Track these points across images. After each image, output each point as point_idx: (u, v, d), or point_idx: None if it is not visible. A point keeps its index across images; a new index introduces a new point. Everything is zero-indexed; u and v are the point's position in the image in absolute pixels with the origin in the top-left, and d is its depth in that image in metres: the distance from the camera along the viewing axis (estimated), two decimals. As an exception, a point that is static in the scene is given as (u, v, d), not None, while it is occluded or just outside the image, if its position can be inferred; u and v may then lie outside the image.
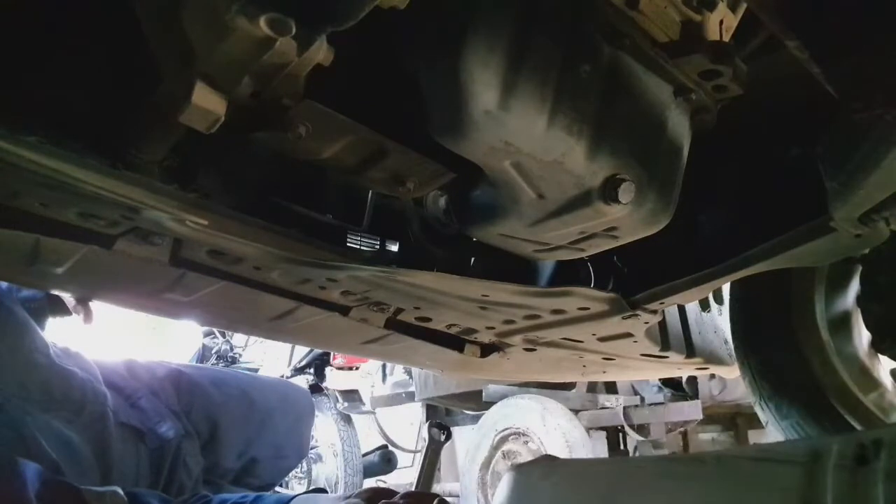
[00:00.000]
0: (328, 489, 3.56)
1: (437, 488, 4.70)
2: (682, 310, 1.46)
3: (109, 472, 1.13)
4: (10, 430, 0.98)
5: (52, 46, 0.66)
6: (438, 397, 4.45)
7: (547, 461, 0.85)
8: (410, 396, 4.73)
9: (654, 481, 0.71)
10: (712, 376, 3.54)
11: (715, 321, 1.55)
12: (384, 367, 4.64)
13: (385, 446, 4.46)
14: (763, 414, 1.36)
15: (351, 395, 4.58)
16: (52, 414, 1.09)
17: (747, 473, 0.63)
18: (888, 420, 1.23)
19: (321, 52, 0.54)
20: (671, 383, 3.86)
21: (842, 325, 1.27)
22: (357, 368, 4.57)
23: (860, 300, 1.24)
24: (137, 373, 1.40)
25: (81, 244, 0.86)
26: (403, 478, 4.78)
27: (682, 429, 3.89)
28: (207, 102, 0.55)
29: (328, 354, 4.37)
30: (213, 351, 5.61)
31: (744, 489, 0.62)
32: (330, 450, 4.19)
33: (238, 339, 5.49)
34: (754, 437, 4.14)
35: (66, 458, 1.02)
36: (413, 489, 2.31)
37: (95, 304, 1.34)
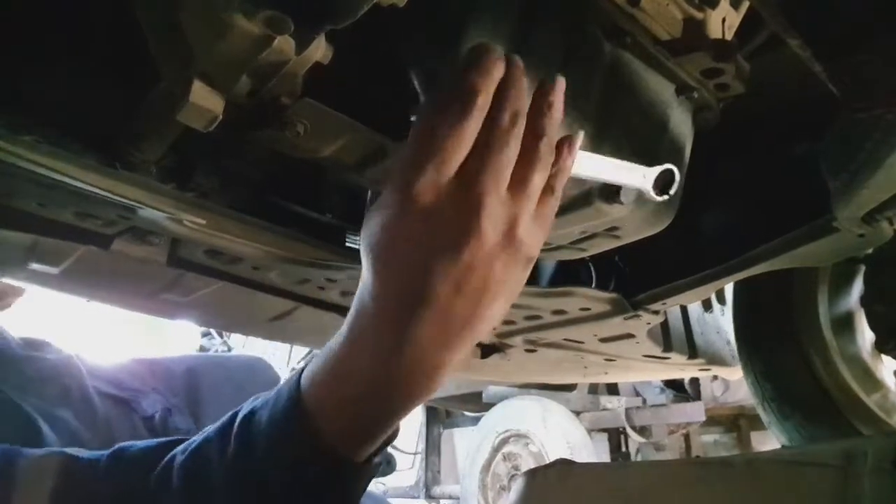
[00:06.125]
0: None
1: (437, 490, 4.69)
2: (684, 310, 1.45)
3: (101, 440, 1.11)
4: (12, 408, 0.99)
5: (49, 46, 0.66)
6: (438, 398, 4.45)
7: (563, 465, 0.81)
8: (411, 398, 4.71)
9: (678, 485, 0.69)
10: (715, 377, 3.54)
11: (717, 322, 1.54)
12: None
13: (385, 448, 4.44)
14: (766, 415, 1.36)
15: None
16: (47, 402, 1.08)
17: (780, 476, 0.61)
18: (891, 421, 1.23)
19: (320, 50, 0.53)
20: (673, 384, 3.85)
21: (845, 325, 1.27)
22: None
23: (864, 301, 1.23)
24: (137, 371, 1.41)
25: (79, 244, 0.86)
26: (403, 479, 4.77)
27: (684, 430, 3.88)
28: (205, 101, 0.54)
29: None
30: (211, 351, 5.60)
31: (777, 492, 0.61)
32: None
33: (236, 339, 5.49)
34: (757, 438, 4.13)
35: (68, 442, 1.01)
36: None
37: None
